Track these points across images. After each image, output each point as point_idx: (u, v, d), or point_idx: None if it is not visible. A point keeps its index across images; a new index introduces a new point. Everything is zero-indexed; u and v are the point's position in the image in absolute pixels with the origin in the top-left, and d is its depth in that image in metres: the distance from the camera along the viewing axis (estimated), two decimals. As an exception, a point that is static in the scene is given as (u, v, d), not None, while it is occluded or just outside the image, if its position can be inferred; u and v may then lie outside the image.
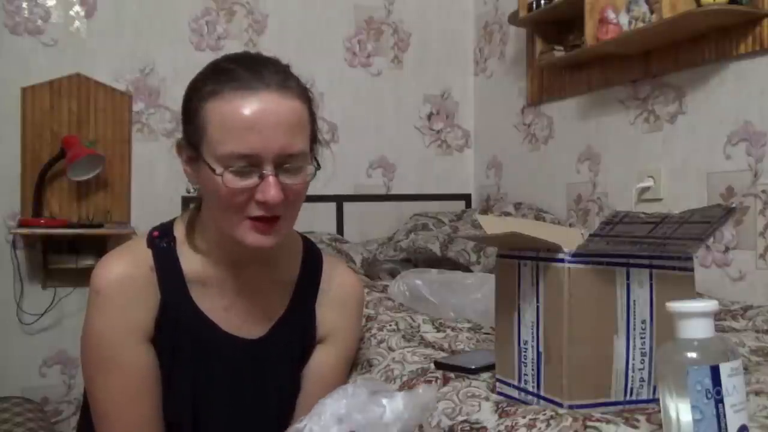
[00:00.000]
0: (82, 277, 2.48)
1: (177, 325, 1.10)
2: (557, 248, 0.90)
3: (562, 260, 0.89)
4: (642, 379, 0.91)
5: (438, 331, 1.41)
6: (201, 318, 1.12)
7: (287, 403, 1.17)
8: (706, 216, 0.90)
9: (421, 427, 0.99)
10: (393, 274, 1.98)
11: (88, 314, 1.09)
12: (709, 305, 0.73)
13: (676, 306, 0.73)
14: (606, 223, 0.85)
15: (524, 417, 0.88)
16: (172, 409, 1.11)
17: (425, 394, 0.91)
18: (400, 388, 1.11)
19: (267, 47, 2.73)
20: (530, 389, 0.94)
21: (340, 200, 2.89)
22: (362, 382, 0.93)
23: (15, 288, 2.54)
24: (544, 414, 0.86)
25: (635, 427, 0.82)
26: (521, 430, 0.86)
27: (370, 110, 3.00)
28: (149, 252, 1.11)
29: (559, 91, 2.60)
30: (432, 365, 1.16)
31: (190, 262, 1.12)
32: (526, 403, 0.94)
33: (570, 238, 0.93)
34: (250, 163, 1.00)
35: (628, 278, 0.90)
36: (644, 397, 0.91)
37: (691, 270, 0.95)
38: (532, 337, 0.93)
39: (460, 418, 0.95)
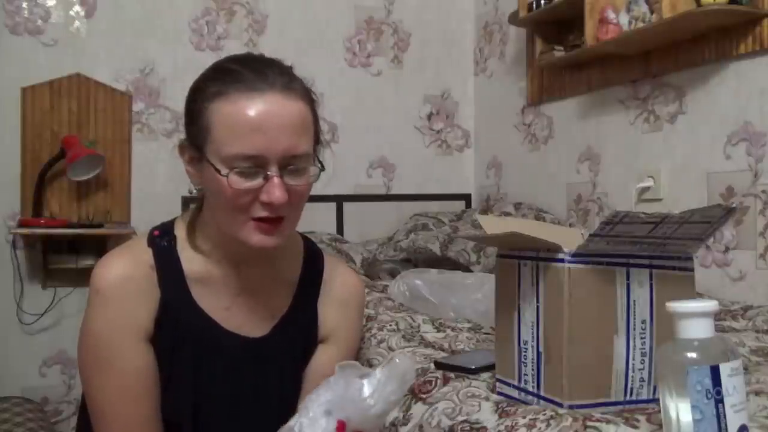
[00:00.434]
0: (82, 277, 2.48)
1: (177, 324, 1.10)
2: (557, 248, 0.90)
3: (562, 260, 0.89)
4: (642, 379, 0.91)
5: (438, 331, 1.41)
6: (202, 317, 1.12)
7: (288, 402, 1.16)
8: (706, 216, 0.90)
9: (421, 427, 0.99)
10: (393, 274, 1.98)
11: (87, 313, 1.09)
12: (709, 305, 0.73)
13: (676, 306, 0.73)
14: (606, 223, 0.85)
15: (524, 417, 0.88)
16: (173, 409, 1.11)
17: (402, 364, 0.91)
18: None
19: (267, 47, 2.73)
20: (530, 389, 0.94)
21: (340, 200, 2.89)
22: (342, 370, 0.93)
23: (15, 288, 2.54)
24: (544, 414, 0.86)
25: (635, 427, 0.82)
26: (521, 430, 0.86)
27: (370, 110, 3.00)
28: (150, 251, 1.11)
29: (559, 91, 2.60)
30: (432, 365, 1.16)
31: (191, 261, 1.12)
32: (526, 403, 0.94)
33: (570, 238, 0.93)
34: (255, 164, 1.00)
35: (628, 278, 0.90)
36: (644, 397, 0.91)
37: (691, 270, 0.95)
38: (532, 337, 0.93)
39: (460, 418, 0.96)
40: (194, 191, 1.14)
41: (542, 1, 2.40)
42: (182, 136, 1.12)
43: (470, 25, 3.18)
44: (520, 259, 0.96)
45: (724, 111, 1.95)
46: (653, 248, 0.90)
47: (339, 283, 1.23)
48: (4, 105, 2.53)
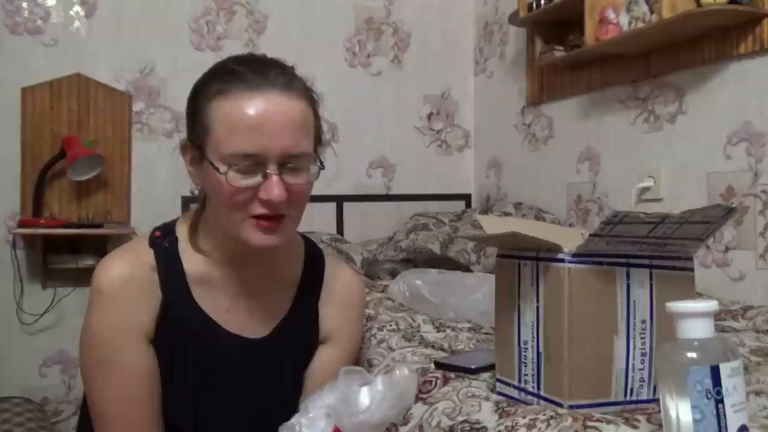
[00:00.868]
0: (82, 277, 2.48)
1: (179, 325, 1.10)
2: (557, 248, 0.90)
3: (562, 260, 0.89)
4: (642, 379, 0.91)
5: (438, 331, 1.41)
6: (203, 318, 1.12)
7: (290, 403, 1.17)
8: (706, 216, 0.90)
9: (421, 427, 0.99)
10: (393, 274, 1.97)
11: (88, 314, 1.09)
12: (709, 305, 0.73)
13: (676, 306, 0.73)
14: (606, 223, 0.85)
15: (524, 417, 0.88)
16: (174, 410, 1.11)
17: (402, 376, 0.91)
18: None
19: (267, 47, 2.73)
20: (530, 389, 0.94)
21: (340, 200, 2.90)
22: (346, 375, 0.93)
23: (15, 288, 2.54)
24: (544, 414, 0.86)
25: (635, 427, 0.82)
26: (521, 430, 0.86)
27: (370, 110, 3.00)
28: (151, 252, 1.11)
29: (559, 91, 2.60)
30: (432, 365, 1.16)
31: (192, 262, 1.12)
32: (526, 403, 0.94)
33: (570, 238, 0.93)
34: (255, 162, 1.00)
35: (628, 278, 0.90)
36: (644, 397, 0.91)
37: (691, 270, 0.95)
38: (532, 337, 0.93)
39: (460, 418, 0.95)
40: (195, 191, 1.14)
41: (542, 1, 2.40)
42: (183, 136, 1.12)
43: (470, 25, 3.18)
44: (520, 259, 0.96)
45: (724, 111, 1.95)
46: (653, 248, 0.90)
47: (340, 284, 1.23)
48: (4, 105, 2.53)
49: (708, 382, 0.70)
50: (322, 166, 1.08)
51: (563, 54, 2.41)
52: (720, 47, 1.93)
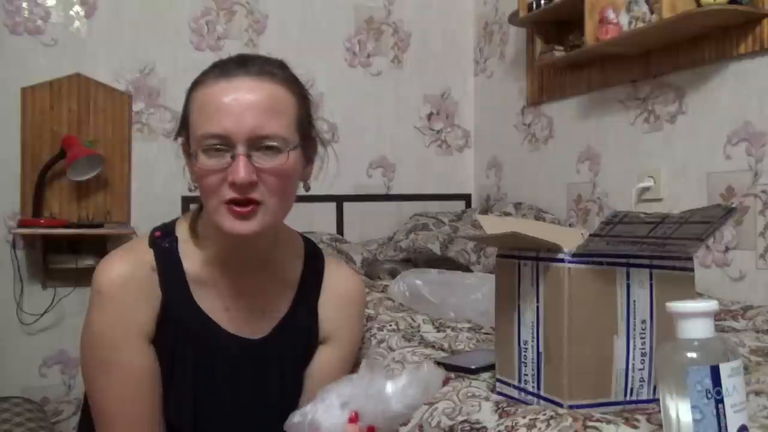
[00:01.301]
0: (82, 277, 2.48)
1: (178, 325, 1.10)
2: (557, 248, 0.90)
3: (562, 260, 0.89)
4: (642, 379, 0.91)
5: (438, 331, 1.41)
6: (202, 318, 1.12)
7: (289, 403, 1.16)
8: (706, 216, 0.90)
9: (421, 427, 0.99)
10: (393, 274, 1.97)
11: (89, 314, 1.09)
12: (709, 305, 0.73)
13: (676, 306, 0.73)
14: (606, 223, 0.85)
15: (524, 417, 0.88)
16: (173, 410, 1.11)
17: (429, 372, 0.91)
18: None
19: (267, 47, 2.73)
20: (530, 389, 0.94)
21: (340, 200, 2.90)
22: (366, 367, 0.93)
23: (15, 288, 2.54)
24: (544, 414, 0.86)
25: (635, 427, 0.82)
26: (521, 430, 0.86)
27: (370, 110, 3.00)
28: (151, 252, 1.11)
29: (559, 91, 2.60)
30: (432, 365, 1.16)
31: (192, 262, 1.12)
32: (526, 403, 0.94)
33: (570, 238, 0.93)
34: (224, 144, 1.01)
35: (628, 278, 0.90)
36: (644, 397, 0.91)
37: (691, 270, 0.95)
38: (532, 337, 0.93)
39: (460, 418, 0.95)
40: (192, 188, 1.14)
41: (542, 1, 2.40)
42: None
43: (470, 25, 3.18)
44: (520, 259, 0.96)
45: (724, 111, 1.95)
46: (653, 248, 0.90)
47: (339, 284, 1.23)
48: (4, 105, 2.53)
49: (708, 382, 0.70)
50: (306, 155, 1.09)
51: (563, 54, 2.41)
52: (720, 47, 1.93)
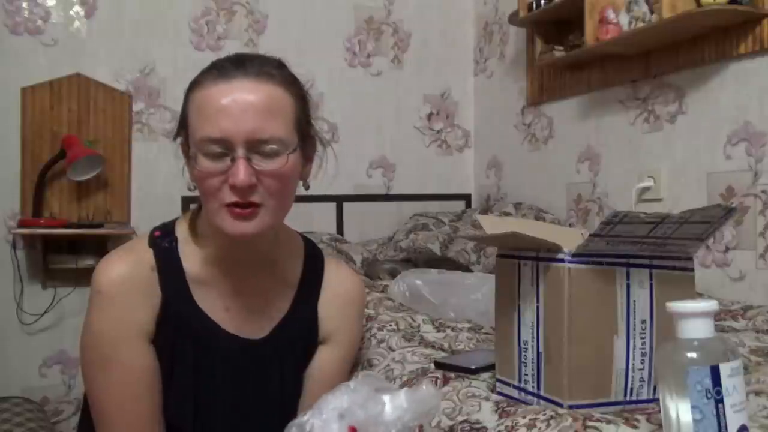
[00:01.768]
0: (82, 277, 2.48)
1: (178, 325, 1.10)
2: (557, 248, 0.90)
3: (562, 260, 0.89)
4: (642, 379, 0.91)
5: (438, 331, 1.41)
6: (202, 318, 1.12)
7: (289, 403, 1.17)
8: (706, 216, 0.90)
9: (421, 427, 0.99)
10: (393, 274, 1.98)
11: (88, 314, 1.09)
12: (709, 305, 0.73)
13: (676, 306, 0.73)
14: (606, 223, 0.85)
15: (524, 417, 0.88)
16: (174, 410, 1.11)
17: (428, 394, 0.91)
18: (401, 387, 1.11)
19: (267, 47, 2.73)
20: (530, 389, 0.94)
21: (340, 200, 2.90)
22: (364, 379, 0.93)
23: (15, 288, 2.54)
24: (544, 414, 0.86)
25: (635, 427, 0.82)
26: (521, 430, 0.86)
27: (370, 110, 3.00)
28: (151, 252, 1.11)
29: (559, 91, 2.60)
30: (432, 365, 1.16)
31: (192, 262, 1.12)
32: (526, 403, 0.94)
33: (570, 238, 0.93)
34: (223, 147, 1.00)
35: (628, 278, 0.90)
36: (644, 397, 0.91)
37: (691, 270, 0.95)
38: (532, 337, 0.93)
39: (460, 418, 0.95)
40: (192, 188, 1.14)
41: (542, 1, 2.40)
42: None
43: (470, 25, 3.18)
44: (520, 259, 0.96)
45: (724, 111, 1.95)
46: (653, 248, 0.90)
47: (339, 284, 1.23)
48: (4, 105, 2.53)
49: (708, 382, 0.70)
50: (308, 159, 1.08)
51: (563, 54, 2.41)
52: (720, 47, 1.93)
